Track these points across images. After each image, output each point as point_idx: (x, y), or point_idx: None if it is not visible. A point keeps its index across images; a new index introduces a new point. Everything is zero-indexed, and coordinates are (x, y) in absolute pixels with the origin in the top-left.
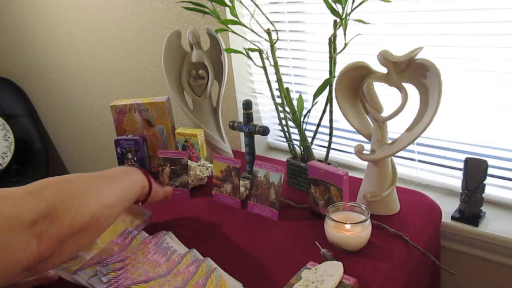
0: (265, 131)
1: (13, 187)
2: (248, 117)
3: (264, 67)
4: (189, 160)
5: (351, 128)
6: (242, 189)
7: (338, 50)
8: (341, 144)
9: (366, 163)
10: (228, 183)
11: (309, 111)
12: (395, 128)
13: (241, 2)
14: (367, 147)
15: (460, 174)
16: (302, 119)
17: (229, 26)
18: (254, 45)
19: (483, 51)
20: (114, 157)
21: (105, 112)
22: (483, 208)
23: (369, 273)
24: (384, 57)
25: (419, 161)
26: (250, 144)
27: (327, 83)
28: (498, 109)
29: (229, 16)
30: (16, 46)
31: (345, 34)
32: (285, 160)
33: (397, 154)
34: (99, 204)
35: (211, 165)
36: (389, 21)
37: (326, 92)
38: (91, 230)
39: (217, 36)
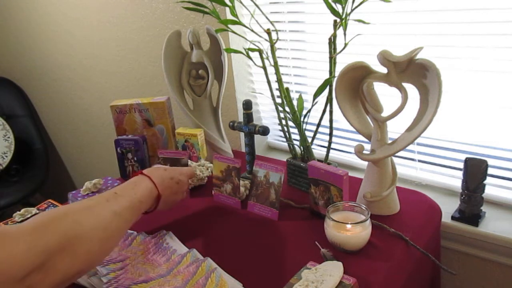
0: (265, 131)
1: (18, 225)
2: (248, 117)
3: (264, 67)
4: (189, 160)
5: (351, 128)
6: (242, 189)
7: (338, 50)
8: (341, 144)
9: (366, 163)
10: (228, 183)
11: (309, 111)
12: (395, 128)
13: (241, 2)
14: (367, 147)
15: (460, 174)
16: (302, 119)
17: (229, 26)
18: (254, 45)
19: (483, 51)
20: (114, 157)
21: (105, 112)
22: (483, 208)
23: (369, 273)
24: (384, 57)
25: (419, 161)
26: (250, 144)
27: (327, 83)
28: (498, 109)
29: (229, 16)
30: (16, 46)
31: (345, 34)
32: (285, 160)
33: (397, 154)
34: (101, 246)
35: (211, 165)
36: (389, 21)
37: (326, 92)
38: (86, 272)
39: (217, 36)
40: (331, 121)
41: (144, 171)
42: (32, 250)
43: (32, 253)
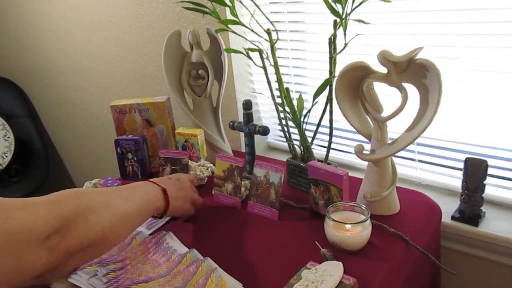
0: (265, 131)
1: (37, 197)
2: (248, 117)
3: (264, 67)
4: (189, 160)
5: (351, 128)
6: (242, 189)
7: (338, 50)
8: (341, 144)
9: (366, 163)
10: (229, 182)
11: (309, 111)
12: (395, 128)
13: (241, 2)
14: (367, 147)
15: (460, 174)
16: (302, 119)
17: (229, 26)
18: (254, 45)
19: (483, 51)
20: (114, 157)
21: (105, 112)
22: (483, 208)
23: (369, 273)
24: (384, 57)
25: (419, 161)
26: (250, 144)
27: (327, 83)
28: (498, 109)
29: (229, 16)
30: (16, 46)
31: (345, 34)
32: (285, 160)
33: (397, 154)
34: (112, 222)
35: (211, 165)
36: (389, 21)
37: (326, 92)
38: (100, 247)
39: (217, 36)
40: (331, 121)
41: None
42: (52, 214)
43: (51, 217)
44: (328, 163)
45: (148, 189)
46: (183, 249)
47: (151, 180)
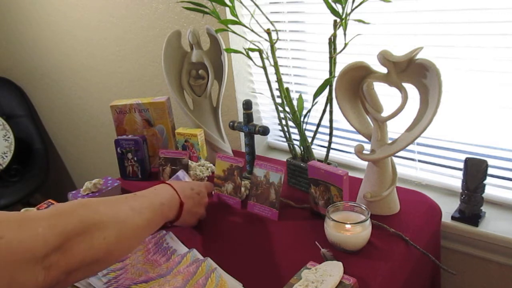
0: (265, 131)
1: (39, 211)
2: (248, 117)
3: (264, 67)
4: (189, 160)
5: (351, 128)
6: (242, 189)
7: (338, 50)
8: (341, 144)
9: (366, 163)
10: (230, 182)
11: (309, 111)
12: (395, 128)
13: (241, 2)
14: (367, 147)
15: (460, 174)
16: (302, 119)
17: (229, 26)
18: (254, 45)
19: (483, 51)
20: (114, 157)
21: (105, 112)
22: (483, 208)
23: (369, 273)
24: (384, 57)
25: (419, 161)
26: (250, 144)
27: (327, 83)
28: (498, 109)
29: (229, 16)
30: (16, 46)
31: (345, 34)
32: (285, 160)
33: (397, 154)
34: (118, 238)
35: (211, 165)
36: (389, 21)
37: (326, 92)
38: (103, 262)
39: (217, 36)
40: (331, 121)
41: (166, 181)
42: (52, 231)
43: (51, 234)
44: (328, 163)
45: (165, 198)
46: (183, 249)
47: (173, 186)
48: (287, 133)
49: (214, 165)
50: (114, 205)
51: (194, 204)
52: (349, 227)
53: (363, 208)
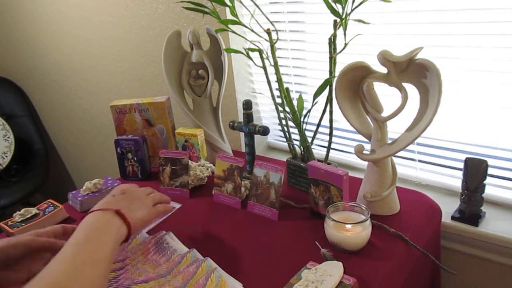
0: (265, 131)
1: None
2: (248, 117)
3: (264, 67)
4: (189, 160)
5: (351, 128)
6: (242, 189)
7: (338, 50)
8: (341, 144)
9: (366, 163)
10: (230, 182)
11: (309, 111)
12: (395, 128)
13: (241, 2)
14: (367, 147)
15: (460, 174)
16: (302, 119)
17: (229, 26)
18: (254, 45)
19: (483, 51)
20: (114, 157)
21: (105, 112)
22: (483, 208)
23: (369, 273)
24: (384, 57)
25: (419, 161)
26: (250, 144)
27: (327, 83)
28: (498, 109)
29: (229, 16)
30: (16, 46)
31: (345, 34)
32: (285, 160)
33: (397, 154)
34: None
35: (211, 165)
36: (389, 21)
37: (326, 92)
38: None
39: (217, 36)
40: (331, 121)
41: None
42: None
43: None
44: (328, 163)
45: (106, 227)
46: (183, 249)
47: (98, 209)
48: (287, 133)
49: (214, 165)
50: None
51: (128, 202)
52: (349, 227)
53: (363, 208)
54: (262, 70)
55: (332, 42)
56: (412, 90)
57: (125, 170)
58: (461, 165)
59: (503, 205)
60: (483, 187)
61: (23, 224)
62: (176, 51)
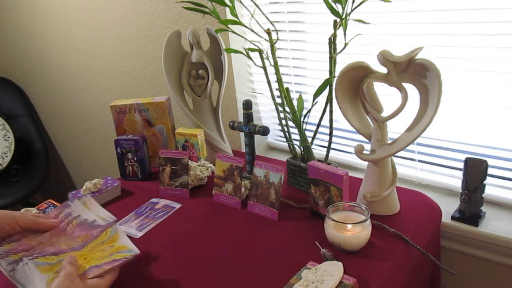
0: (265, 131)
1: None
2: (248, 117)
3: (264, 67)
4: (189, 160)
5: (351, 128)
6: (242, 189)
7: (338, 50)
8: (341, 144)
9: (366, 163)
10: (230, 182)
11: (309, 111)
12: (395, 128)
13: (241, 2)
14: (367, 147)
15: (460, 174)
16: (302, 119)
17: (229, 26)
18: (254, 45)
19: (483, 51)
20: (114, 157)
21: (105, 112)
22: (483, 208)
23: (369, 273)
24: (384, 57)
25: (419, 161)
26: (250, 144)
27: (327, 83)
28: (498, 109)
29: (229, 16)
30: (16, 46)
31: (345, 34)
32: (285, 160)
33: (397, 154)
34: None
35: (211, 165)
36: (389, 21)
37: (326, 92)
38: None
39: (217, 36)
40: (331, 121)
41: None
42: None
43: None
44: (328, 163)
45: None
46: (90, 215)
47: None
48: (287, 133)
49: (214, 165)
50: None
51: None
52: (349, 227)
53: (363, 208)
54: (262, 70)
55: (332, 42)
56: (412, 90)
57: (125, 170)
58: (461, 165)
59: (503, 205)
60: (483, 187)
61: None
62: (176, 51)
